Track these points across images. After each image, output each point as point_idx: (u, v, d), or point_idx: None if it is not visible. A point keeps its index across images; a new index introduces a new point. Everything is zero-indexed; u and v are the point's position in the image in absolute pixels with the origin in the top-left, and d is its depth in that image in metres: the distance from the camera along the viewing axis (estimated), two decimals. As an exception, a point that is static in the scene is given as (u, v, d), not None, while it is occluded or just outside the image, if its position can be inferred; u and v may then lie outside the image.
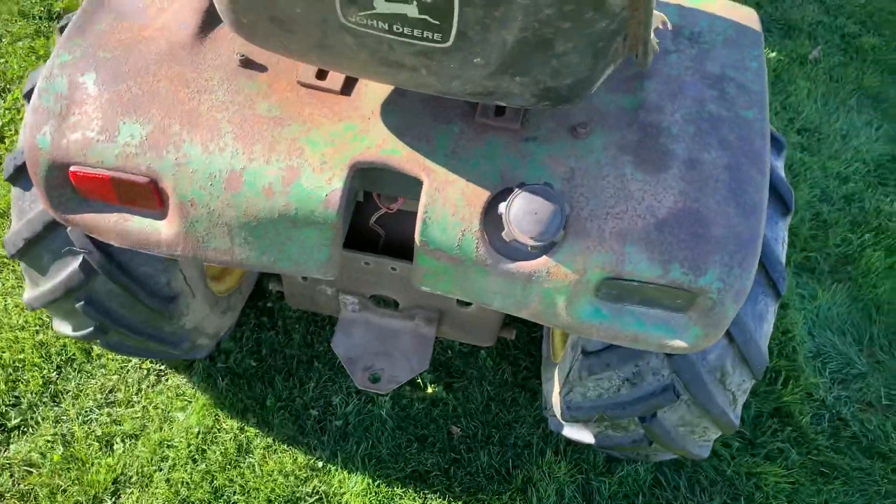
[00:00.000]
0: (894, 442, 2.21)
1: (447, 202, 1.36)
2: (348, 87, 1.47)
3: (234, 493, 1.95)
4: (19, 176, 1.64)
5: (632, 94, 1.47)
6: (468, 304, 1.94)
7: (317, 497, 1.97)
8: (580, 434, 1.90)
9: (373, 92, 1.46)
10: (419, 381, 2.16)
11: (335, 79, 1.46)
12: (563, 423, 1.91)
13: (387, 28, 1.09)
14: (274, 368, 2.17)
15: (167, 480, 1.96)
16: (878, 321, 2.47)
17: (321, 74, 1.46)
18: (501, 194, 1.37)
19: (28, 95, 1.65)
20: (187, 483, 1.96)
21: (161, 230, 1.46)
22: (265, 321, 2.28)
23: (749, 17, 1.66)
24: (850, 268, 2.56)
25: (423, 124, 1.42)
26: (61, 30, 1.75)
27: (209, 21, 1.50)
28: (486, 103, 1.40)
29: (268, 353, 2.20)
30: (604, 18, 1.03)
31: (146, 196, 1.43)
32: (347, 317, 1.99)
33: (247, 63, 1.46)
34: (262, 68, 1.47)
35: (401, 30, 1.09)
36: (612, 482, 2.06)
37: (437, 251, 1.40)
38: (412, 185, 1.41)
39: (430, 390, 2.17)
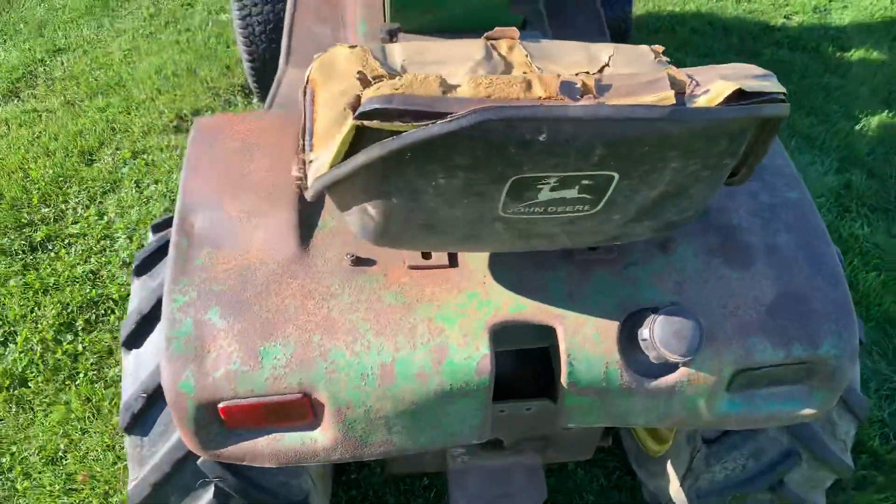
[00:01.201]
0: (954, 440, 2.40)
1: (586, 341, 1.47)
2: (453, 259, 1.57)
3: None
4: (136, 424, 1.63)
5: None
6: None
7: None
8: (707, 520, 1.97)
9: (476, 258, 1.57)
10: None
11: (440, 255, 1.56)
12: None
13: (542, 210, 1.21)
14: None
15: None
16: (892, 333, 2.70)
17: (426, 255, 1.56)
18: (629, 320, 1.48)
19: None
20: None
21: (317, 439, 1.48)
22: (354, 494, 2.27)
23: None
24: (851, 292, 2.79)
25: (534, 276, 1.53)
26: (137, 271, 1.79)
27: (307, 231, 1.58)
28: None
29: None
30: (735, 159, 1.19)
31: (299, 411, 1.46)
32: (457, 468, 2.02)
33: (357, 262, 1.54)
34: (371, 262, 1.55)
35: (556, 209, 1.21)
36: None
37: (584, 389, 1.49)
38: (545, 334, 1.51)
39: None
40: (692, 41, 3.80)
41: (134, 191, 3.11)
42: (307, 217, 1.61)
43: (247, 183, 1.65)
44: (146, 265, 1.79)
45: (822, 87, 3.56)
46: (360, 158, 1.08)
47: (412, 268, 1.55)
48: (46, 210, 3.04)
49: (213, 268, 1.54)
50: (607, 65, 1.66)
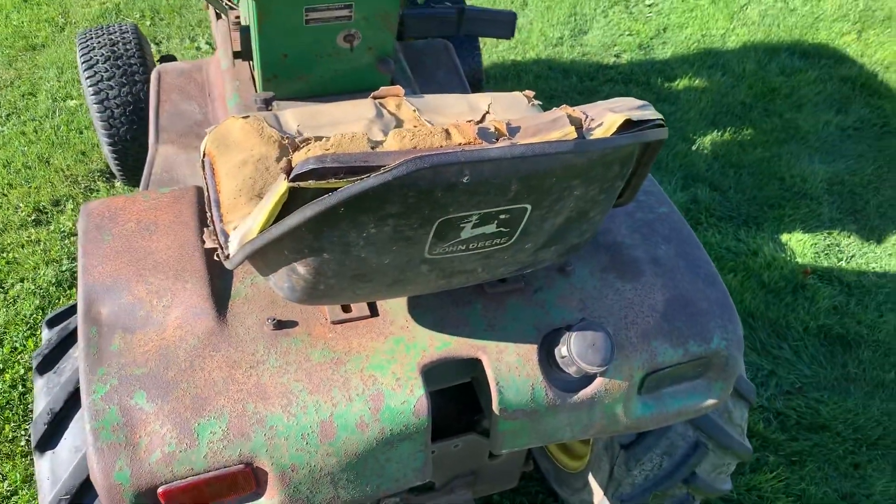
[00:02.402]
0: (823, 413, 2.68)
1: (510, 367, 1.55)
2: (373, 308, 1.62)
3: None
4: None
5: None
6: (498, 455, 2.09)
7: None
8: (632, 522, 2.09)
9: (395, 304, 1.63)
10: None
11: (361, 306, 1.61)
12: (617, 518, 2.09)
13: (464, 248, 1.30)
14: None
15: None
16: (755, 326, 2.99)
17: (346, 308, 1.60)
18: (545, 341, 1.59)
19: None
20: None
21: None
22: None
23: None
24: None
25: (453, 313, 1.61)
26: (40, 369, 1.71)
27: (222, 302, 1.58)
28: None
29: None
30: (623, 181, 1.34)
31: (243, 482, 1.44)
32: (392, 518, 2.03)
33: (279, 325, 1.56)
34: (293, 323, 1.57)
35: (476, 245, 1.30)
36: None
37: (515, 412, 1.57)
38: (470, 368, 1.58)
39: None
40: (537, 85, 4.09)
41: (-3, 292, 2.93)
42: (219, 288, 1.61)
43: (150, 262, 1.63)
44: (49, 361, 1.71)
45: (657, 115, 3.92)
46: (295, 218, 1.12)
47: (335, 323, 1.58)
48: None
49: (131, 352, 1.50)
50: (488, 112, 1.80)
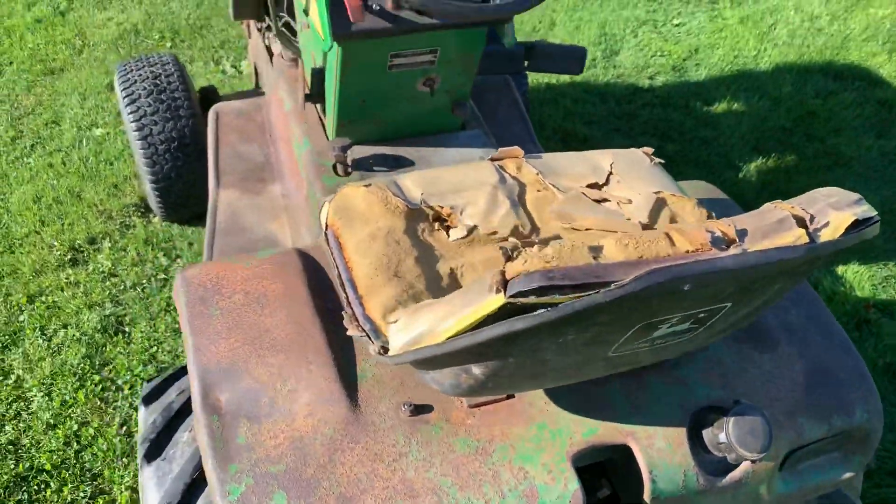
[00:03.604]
0: None
1: (662, 453, 1.47)
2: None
3: None
4: None
5: None
6: None
7: None
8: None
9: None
10: None
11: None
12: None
13: (648, 345, 1.21)
14: None
15: None
16: None
17: (481, 392, 1.51)
18: (692, 423, 1.51)
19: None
20: None
21: None
22: None
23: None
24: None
25: (593, 394, 1.53)
26: (147, 456, 1.59)
27: (351, 386, 1.48)
28: None
29: None
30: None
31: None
32: None
33: (415, 411, 1.46)
34: (429, 408, 1.48)
35: (661, 342, 1.22)
36: None
37: (665, 500, 1.49)
38: (618, 451, 1.50)
39: None
40: (576, 110, 4.01)
41: (40, 340, 2.79)
42: (345, 370, 1.51)
43: (267, 341, 1.53)
44: (156, 448, 1.60)
45: (700, 141, 3.88)
46: (500, 329, 1.03)
47: (472, 407, 1.49)
48: (-62, 380, 2.65)
49: (261, 446, 1.40)
50: (611, 173, 1.71)
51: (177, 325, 2.87)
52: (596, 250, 1.01)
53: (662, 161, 1.77)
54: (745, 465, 1.52)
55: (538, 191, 1.65)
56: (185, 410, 1.64)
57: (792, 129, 3.99)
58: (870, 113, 4.13)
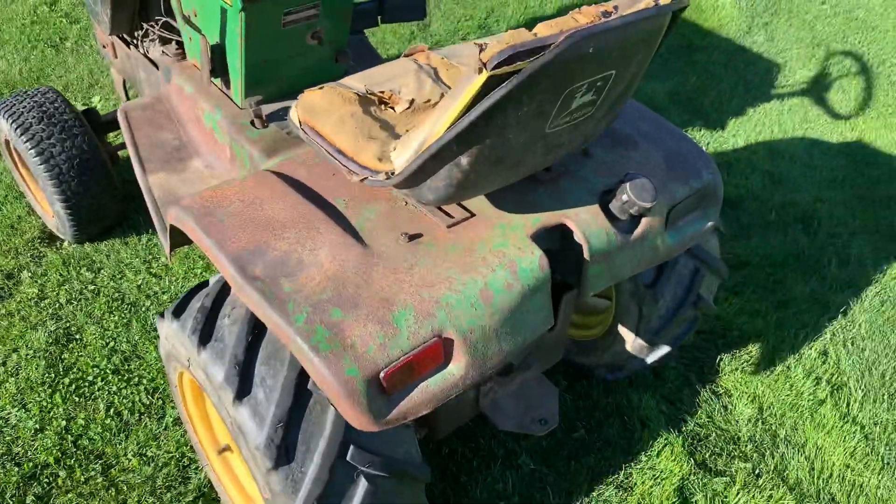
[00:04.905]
0: (741, 255, 3.40)
1: (591, 222, 2.01)
2: (468, 212, 2.01)
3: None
4: (281, 455, 1.77)
5: None
6: (553, 327, 2.53)
7: None
8: (659, 351, 2.63)
9: (481, 206, 2.03)
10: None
11: (460, 212, 1.99)
12: (648, 351, 2.62)
13: (568, 120, 1.74)
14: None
15: None
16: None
17: (450, 216, 1.98)
18: (602, 200, 2.07)
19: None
20: None
21: (453, 372, 1.79)
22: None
23: None
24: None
25: (528, 201, 2.04)
26: (201, 341, 1.89)
27: (356, 235, 1.89)
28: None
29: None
30: (656, 49, 1.85)
31: (436, 355, 1.76)
32: (489, 403, 2.41)
33: (411, 238, 1.90)
34: (420, 235, 1.92)
35: (575, 116, 1.75)
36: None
37: (599, 256, 2.02)
38: (558, 232, 2.03)
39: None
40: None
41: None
42: (346, 227, 1.92)
43: (277, 224, 1.90)
44: (207, 333, 1.91)
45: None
46: (487, 102, 1.50)
47: (449, 227, 1.95)
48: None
49: (304, 288, 1.76)
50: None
51: (126, 321, 3.08)
52: (531, 34, 1.53)
53: None
54: (643, 223, 2.10)
55: (447, 69, 2.16)
56: (221, 300, 1.97)
57: None
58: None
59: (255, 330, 1.87)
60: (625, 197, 2.02)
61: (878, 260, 3.43)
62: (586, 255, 2.00)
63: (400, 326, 1.72)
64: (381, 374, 1.66)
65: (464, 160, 1.67)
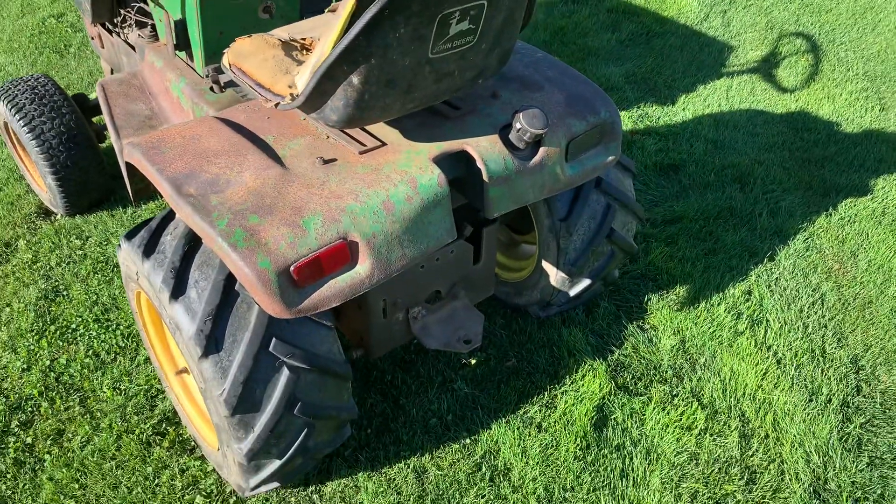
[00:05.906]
0: (678, 210, 3.63)
1: (487, 149, 2.28)
2: (380, 141, 2.29)
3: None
4: (209, 344, 2.05)
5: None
6: (477, 261, 2.79)
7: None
8: (581, 283, 2.87)
9: (393, 137, 2.31)
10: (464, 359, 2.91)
11: (373, 141, 2.27)
12: (570, 284, 2.86)
13: (450, 46, 2.02)
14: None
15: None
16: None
17: (363, 144, 2.26)
18: (502, 131, 2.34)
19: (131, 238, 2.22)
20: None
21: (360, 272, 2.05)
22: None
23: None
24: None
25: (435, 133, 2.32)
26: (145, 252, 2.19)
27: (278, 160, 2.18)
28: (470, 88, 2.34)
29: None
30: None
31: (343, 255, 2.03)
32: (420, 327, 2.67)
33: (325, 161, 2.19)
34: (334, 159, 2.21)
35: (456, 43, 2.03)
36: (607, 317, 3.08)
37: (497, 179, 2.28)
38: (463, 161, 2.30)
39: (473, 361, 2.93)
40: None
41: (-10, 319, 3.22)
42: (271, 154, 2.21)
43: (211, 153, 2.19)
44: (151, 246, 2.20)
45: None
46: (361, 22, 1.78)
47: (361, 153, 2.24)
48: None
49: (229, 200, 2.04)
50: None
51: (109, 279, 3.39)
52: None
53: None
54: (541, 153, 2.37)
55: None
56: (166, 223, 2.26)
57: (550, 41, 5.08)
58: (604, 18, 5.32)
59: (192, 243, 2.16)
60: (518, 125, 2.28)
61: (807, 212, 3.65)
62: (485, 177, 2.26)
63: (309, 229, 1.99)
64: (292, 268, 1.93)
65: (355, 79, 1.94)
